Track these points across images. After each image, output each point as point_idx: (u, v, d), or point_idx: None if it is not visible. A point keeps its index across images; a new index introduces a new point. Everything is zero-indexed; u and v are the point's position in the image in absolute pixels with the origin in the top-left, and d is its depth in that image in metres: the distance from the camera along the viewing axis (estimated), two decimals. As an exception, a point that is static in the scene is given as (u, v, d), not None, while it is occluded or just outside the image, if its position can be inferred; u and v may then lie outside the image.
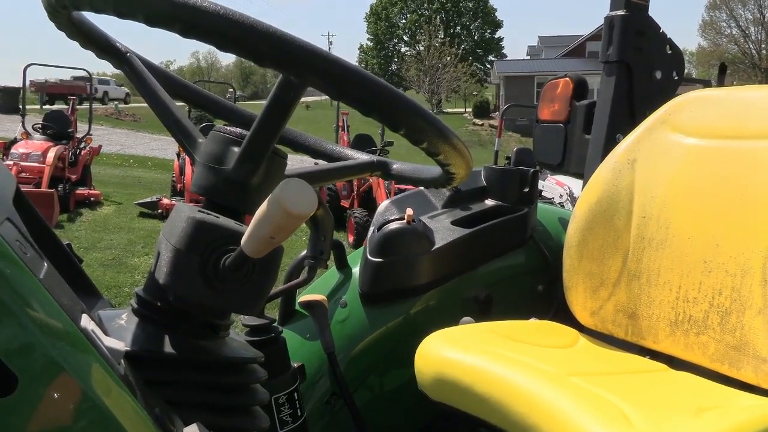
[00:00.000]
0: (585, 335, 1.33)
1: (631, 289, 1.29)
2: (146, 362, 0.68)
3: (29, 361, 0.49)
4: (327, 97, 0.77)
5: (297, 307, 1.40)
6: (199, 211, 0.70)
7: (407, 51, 49.49)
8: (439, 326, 1.23)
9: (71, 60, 9.51)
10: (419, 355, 1.18)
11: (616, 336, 1.32)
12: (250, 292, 0.69)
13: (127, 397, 0.57)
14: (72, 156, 8.20)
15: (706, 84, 2.77)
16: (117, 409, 0.54)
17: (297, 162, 0.87)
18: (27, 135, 8.06)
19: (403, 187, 5.81)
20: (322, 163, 0.97)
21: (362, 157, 1.00)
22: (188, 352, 0.70)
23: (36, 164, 7.24)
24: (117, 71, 0.96)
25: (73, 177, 7.95)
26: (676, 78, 1.77)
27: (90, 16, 0.82)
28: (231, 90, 11.70)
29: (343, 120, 8.82)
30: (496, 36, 52.10)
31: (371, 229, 1.48)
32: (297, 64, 0.62)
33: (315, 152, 1.04)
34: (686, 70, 1.86)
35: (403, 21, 51.61)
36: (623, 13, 1.70)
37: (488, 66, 49.62)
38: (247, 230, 0.62)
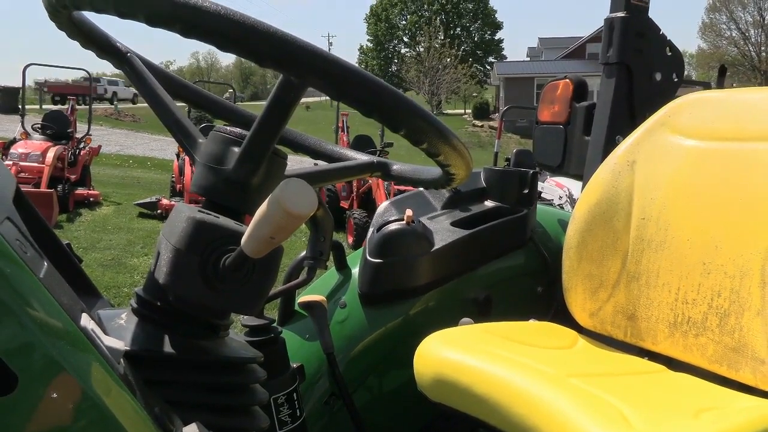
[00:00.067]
0: (584, 336, 1.33)
1: (630, 290, 1.29)
2: (146, 362, 0.68)
3: (29, 361, 0.49)
4: (327, 97, 0.77)
5: (296, 307, 1.40)
6: (199, 211, 0.70)
7: (407, 52, 49.53)
8: (439, 327, 1.23)
9: (71, 60, 9.51)
10: (418, 355, 1.18)
11: (615, 337, 1.32)
12: (249, 292, 0.69)
13: (126, 396, 0.57)
14: (71, 156, 8.20)
15: (706, 86, 2.77)
16: (116, 408, 0.54)
17: (297, 163, 0.87)
18: (26, 135, 8.06)
19: (402, 188, 5.81)
20: (322, 164, 0.97)
21: (362, 157, 1.00)
22: (188, 352, 0.70)
23: (35, 164, 7.24)
24: (117, 71, 0.96)
25: (73, 177, 7.95)
26: (675, 80, 1.78)
27: (91, 16, 0.82)
28: (231, 90, 11.69)
29: (343, 121, 8.82)
30: (496, 37, 52.14)
31: (371, 229, 1.48)
32: (297, 64, 0.62)
33: (315, 153, 1.04)
34: (686, 72, 1.86)
35: (403, 22, 51.64)
36: (623, 14, 1.70)
37: (488, 67, 49.64)
38: (247, 230, 0.62)
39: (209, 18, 0.59)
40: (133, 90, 35.33)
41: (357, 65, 0.66)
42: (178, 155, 8.52)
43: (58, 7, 0.70)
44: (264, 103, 0.75)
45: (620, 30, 1.70)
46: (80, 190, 7.89)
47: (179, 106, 0.85)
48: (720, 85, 2.69)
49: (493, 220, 1.55)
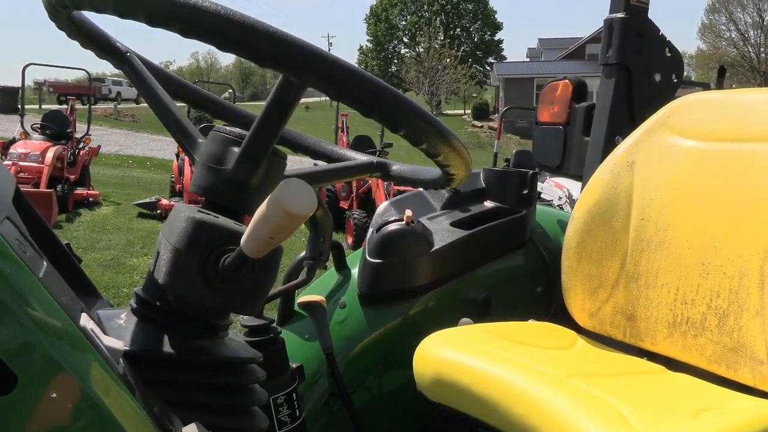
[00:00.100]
0: (583, 337, 1.33)
1: (629, 290, 1.29)
2: (145, 362, 0.68)
3: (29, 360, 0.49)
4: (327, 98, 0.77)
5: (296, 307, 1.40)
6: (199, 211, 0.70)
7: (407, 53, 49.53)
8: (438, 327, 1.23)
9: (71, 60, 9.51)
10: (418, 355, 1.18)
11: (614, 337, 1.32)
12: (249, 293, 0.69)
13: (126, 396, 0.57)
14: (71, 156, 8.19)
15: (705, 87, 2.77)
16: (116, 408, 0.54)
17: (296, 163, 0.87)
18: (26, 135, 8.06)
19: (402, 188, 5.81)
20: (322, 164, 0.97)
21: (362, 158, 1.00)
22: (187, 352, 0.70)
23: (35, 164, 7.23)
24: (117, 71, 0.96)
25: (72, 177, 7.95)
26: (675, 81, 1.78)
27: (90, 16, 0.82)
28: (230, 91, 11.69)
29: (343, 121, 8.82)
30: (496, 38, 52.15)
31: (370, 230, 1.48)
32: (297, 64, 0.62)
33: (314, 153, 1.04)
34: (685, 73, 1.87)
35: (403, 23, 51.65)
36: (623, 15, 1.71)
37: (488, 68, 49.66)
38: (247, 230, 0.62)
39: (209, 18, 0.59)
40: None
41: (357, 65, 0.66)
42: (177, 155, 8.52)
43: (58, 6, 0.70)
44: (263, 103, 0.75)
45: (620, 31, 1.71)
46: (80, 190, 7.89)
47: (179, 106, 0.85)
48: (719, 85, 2.69)
49: (492, 220, 1.55)
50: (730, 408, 1.00)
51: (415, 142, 0.72)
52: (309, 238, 1.06)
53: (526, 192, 1.58)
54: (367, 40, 53.62)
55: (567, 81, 1.94)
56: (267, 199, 0.59)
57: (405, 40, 51.37)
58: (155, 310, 0.71)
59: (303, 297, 1.35)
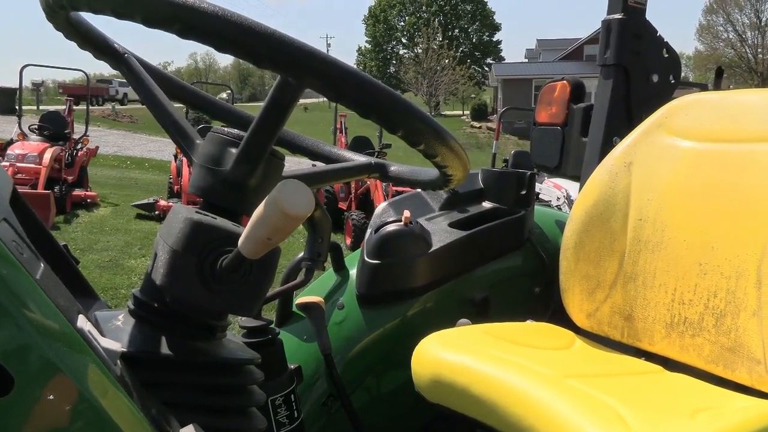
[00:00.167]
0: (581, 337, 1.33)
1: (627, 291, 1.29)
2: (143, 363, 0.68)
3: (25, 362, 0.49)
4: (325, 99, 0.77)
5: (294, 308, 1.40)
6: (197, 212, 0.70)
7: (405, 53, 49.57)
8: (436, 328, 1.23)
9: (69, 61, 9.50)
10: (416, 356, 1.18)
11: (612, 338, 1.32)
12: (247, 294, 0.69)
13: (123, 398, 0.57)
14: (69, 157, 8.18)
15: (703, 87, 2.78)
16: (113, 410, 0.54)
17: (295, 164, 0.87)
18: (23, 136, 8.04)
19: (400, 189, 5.82)
20: (320, 165, 0.97)
21: (360, 159, 1.00)
22: (185, 354, 0.70)
23: (32, 165, 7.22)
24: (114, 72, 0.96)
25: (70, 178, 7.94)
26: (672, 81, 1.78)
27: (88, 17, 0.82)
28: (229, 92, 11.70)
29: (341, 122, 8.82)
30: (494, 39, 52.22)
31: (368, 231, 1.48)
32: (295, 65, 0.62)
33: (313, 154, 1.04)
34: (683, 74, 1.88)
35: (402, 23, 51.69)
36: (621, 16, 1.71)
37: (486, 69, 49.70)
38: (244, 231, 0.62)
39: (207, 19, 0.59)
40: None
41: (355, 66, 0.66)
42: (175, 156, 8.52)
43: (56, 7, 0.70)
44: (262, 104, 0.75)
45: (617, 32, 1.71)
46: (77, 192, 7.88)
47: (177, 107, 0.85)
48: (717, 86, 2.69)
49: (490, 221, 1.55)
50: (727, 408, 1.00)
51: (413, 143, 0.72)
52: (307, 239, 1.06)
53: (524, 193, 1.58)
54: (366, 41, 53.70)
55: (565, 82, 1.94)
56: (265, 200, 0.59)
57: (403, 41, 51.41)
58: (153, 312, 0.71)
59: (301, 298, 1.35)
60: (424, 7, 50.38)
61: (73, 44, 0.84)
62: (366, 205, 7.21)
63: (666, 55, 1.77)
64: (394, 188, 6.52)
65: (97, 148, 9.57)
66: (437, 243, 1.46)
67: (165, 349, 0.69)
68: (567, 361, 1.19)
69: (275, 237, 0.60)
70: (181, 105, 1.05)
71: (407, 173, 0.97)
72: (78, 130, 9.00)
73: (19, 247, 0.58)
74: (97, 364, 0.55)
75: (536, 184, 1.66)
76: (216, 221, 0.70)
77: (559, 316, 1.42)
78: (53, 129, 8.28)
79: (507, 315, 1.40)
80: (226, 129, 0.77)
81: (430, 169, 0.91)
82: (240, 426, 0.74)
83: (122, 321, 0.72)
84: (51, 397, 0.50)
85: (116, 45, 0.87)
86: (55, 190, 7.01)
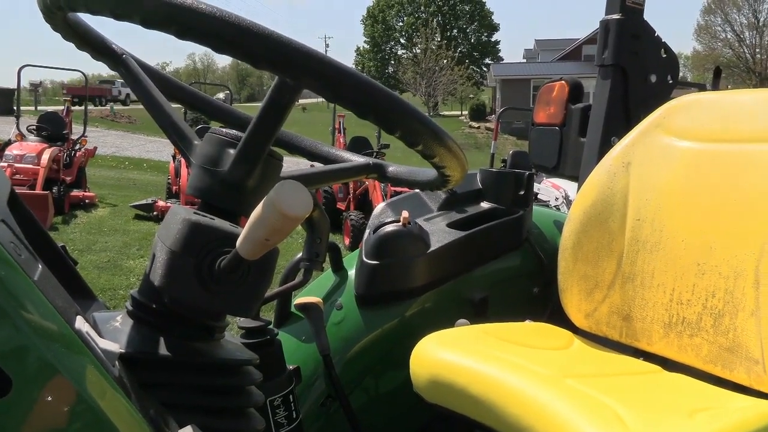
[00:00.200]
0: (579, 337, 1.33)
1: (625, 291, 1.29)
2: (141, 364, 0.68)
3: (23, 364, 0.49)
4: (323, 99, 0.77)
5: (293, 309, 1.40)
6: (195, 213, 0.70)
7: (404, 54, 49.58)
8: (435, 328, 1.23)
9: (67, 61, 9.49)
10: (414, 357, 1.18)
11: (610, 338, 1.33)
12: (245, 294, 0.69)
13: (121, 399, 0.57)
14: (67, 158, 8.18)
15: (701, 88, 2.78)
16: (111, 411, 0.54)
17: (293, 164, 0.87)
18: (21, 136, 8.04)
19: (399, 189, 5.82)
20: (318, 166, 0.97)
21: (358, 159, 1.00)
22: (183, 355, 0.70)
23: (30, 166, 7.21)
24: (113, 72, 0.96)
25: (68, 179, 7.94)
26: (670, 81, 1.78)
27: (86, 18, 0.82)
28: (227, 92, 11.69)
29: (340, 122, 8.83)
30: (493, 39, 52.26)
31: (367, 231, 1.48)
32: (293, 66, 0.62)
33: (311, 154, 1.04)
34: (681, 74, 1.87)
35: (400, 24, 51.72)
36: (619, 16, 1.71)
37: (485, 69, 49.75)
38: (243, 232, 0.62)
39: (204, 20, 0.59)
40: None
41: (353, 67, 0.66)
42: (174, 157, 8.51)
43: (53, 8, 0.70)
44: (260, 104, 0.75)
45: (615, 32, 1.71)
46: (76, 192, 7.87)
47: (175, 108, 0.85)
48: (715, 86, 2.70)
49: (489, 221, 1.55)
50: (725, 408, 1.00)
51: (411, 143, 0.72)
52: (306, 239, 1.06)
53: (522, 193, 1.58)
54: (364, 41, 53.71)
55: (563, 82, 1.94)
56: (263, 201, 0.59)
57: (402, 41, 51.43)
58: (151, 313, 0.71)
59: (300, 298, 1.35)
60: (422, 8, 50.41)
61: (72, 45, 0.84)
62: (364, 205, 7.21)
63: (664, 56, 1.77)
64: (393, 188, 6.52)
65: (95, 148, 9.58)
66: (436, 243, 1.46)
67: (163, 350, 0.69)
68: (565, 361, 1.19)
69: (273, 238, 0.60)
70: (180, 106, 1.05)
71: (405, 174, 0.97)
72: (76, 130, 9.00)
73: (17, 248, 0.58)
74: (95, 365, 0.55)
75: (534, 184, 1.66)
76: (214, 222, 0.70)
77: (558, 316, 1.42)
78: (51, 129, 8.28)
79: (505, 315, 1.40)
80: (224, 130, 0.77)
81: (428, 170, 0.91)
82: (238, 427, 0.74)
83: (120, 322, 0.72)
84: (49, 398, 0.50)
85: (114, 46, 0.87)
86: (54, 190, 7.00)
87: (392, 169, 0.99)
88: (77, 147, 8.57)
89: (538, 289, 1.59)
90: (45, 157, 7.33)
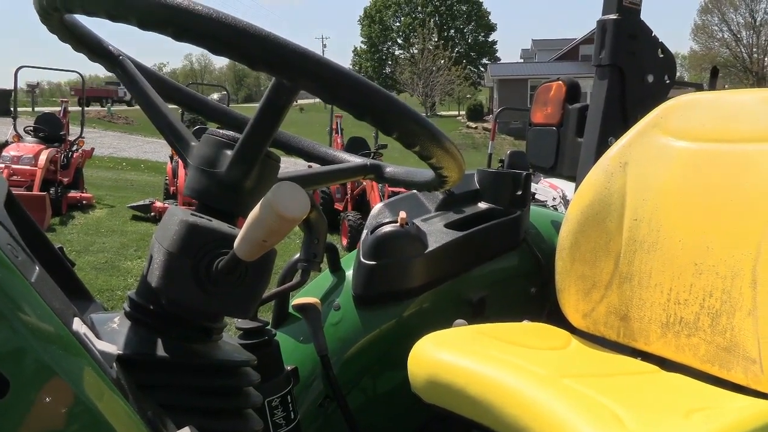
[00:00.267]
0: (577, 337, 1.33)
1: (622, 291, 1.29)
2: (139, 366, 0.68)
3: (21, 365, 0.49)
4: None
5: (290, 310, 1.40)
6: (192, 214, 0.70)
7: (401, 54, 49.60)
8: (432, 329, 1.24)
9: (65, 62, 9.47)
10: (412, 357, 1.18)
11: (607, 338, 1.33)
12: (243, 295, 0.69)
13: (119, 400, 0.57)
14: (64, 159, 8.17)
15: (698, 87, 2.79)
16: (109, 412, 0.54)
17: (290, 165, 0.87)
18: (18, 138, 8.03)
19: (396, 190, 5.82)
20: (316, 166, 0.97)
21: (355, 160, 1.00)
22: (181, 356, 0.70)
23: (28, 167, 7.20)
24: (110, 74, 0.96)
25: (65, 180, 7.93)
26: (667, 81, 1.79)
27: (82, 19, 0.82)
28: (224, 92, 11.69)
29: (337, 123, 8.83)
30: (490, 39, 52.31)
31: (365, 231, 1.48)
32: (289, 67, 0.62)
33: (308, 155, 1.04)
34: (678, 74, 1.88)
35: (397, 24, 51.73)
36: (616, 17, 1.71)
37: (482, 69, 49.79)
38: (240, 233, 0.62)
39: (201, 21, 0.59)
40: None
41: (350, 68, 0.66)
42: (171, 158, 8.50)
43: (50, 9, 0.70)
44: (257, 105, 0.75)
45: (612, 32, 1.71)
46: (73, 193, 7.86)
47: (172, 109, 0.85)
48: (712, 86, 2.70)
49: (486, 221, 1.55)
50: (723, 408, 1.00)
51: (408, 144, 0.72)
52: (303, 240, 1.06)
53: (520, 193, 1.58)
54: (362, 42, 53.71)
55: (560, 82, 1.94)
56: (260, 202, 0.59)
57: (399, 41, 51.45)
58: (149, 314, 0.71)
59: (297, 299, 1.35)
60: (419, 8, 50.43)
61: (68, 46, 0.83)
62: (362, 206, 7.21)
63: (661, 56, 1.77)
64: (390, 189, 6.52)
65: (92, 149, 9.56)
66: (433, 244, 1.46)
67: (161, 351, 0.69)
68: (563, 361, 1.20)
69: (271, 239, 0.60)
70: (177, 107, 1.05)
71: (403, 174, 0.97)
72: (73, 131, 8.98)
73: (14, 249, 0.58)
74: (92, 366, 0.55)
75: (532, 184, 1.66)
76: (211, 223, 0.69)
77: (555, 317, 1.42)
78: (48, 131, 8.27)
79: (503, 315, 1.40)
80: (221, 131, 0.77)
81: (425, 170, 0.91)
82: (236, 428, 0.74)
83: (118, 323, 0.72)
84: (47, 400, 0.50)
85: (111, 47, 0.87)
86: (51, 191, 6.99)
87: (390, 169, 0.99)
88: (74, 148, 8.56)
89: (536, 290, 1.59)
90: (42, 158, 7.32)
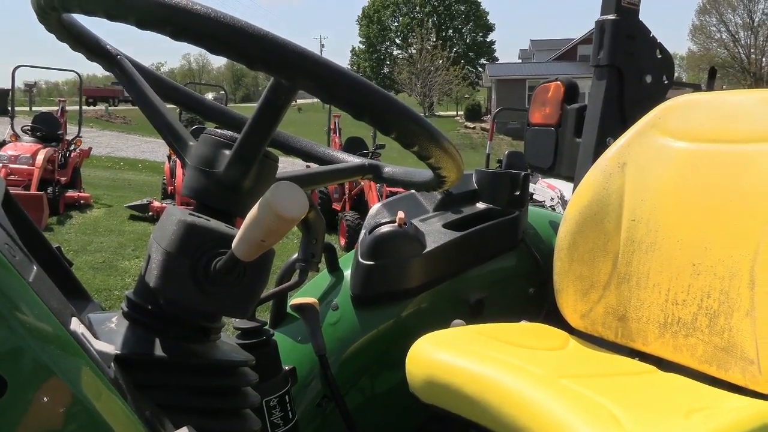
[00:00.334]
0: (575, 337, 1.33)
1: (620, 291, 1.30)
2: (137, 365, 0.68)
3: (19, 365, 0.49)
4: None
5: (288, 310, 1.40)
6: (190, 214, 0.70)
7: (399, 54, 49.59)
8: (431, 329, 1.24)
9: (63, 62, 9.46)
10: (410, 357, 1.18)
11: (605, 338, 1.33)
12: (241, 295, 0.69)
13: (117, 400, 0.57)
14: (62, 158, 8.15)
15: (696, 88, 2.79)
16: (107, 412, 0.54)
17: (289, 165, 0.87)
18: (16, 137, 8.01)
19: (394, 190, 5.82)
20: (314, 166, 0.97)
21: (354, 160, 1.00)
22: (179, 356, 0.70)
23: (25, 167, 7.19)
24: (108, 73, 0.96)
25: (63, 179, 7.91)
26: (666, 82, 1.79)
27: (80, 18, 0.82)
28: (222, 92, 11.68)
29: (335, 123, 8.83)
30: (488, 39, 52.34)
31: (363, 232, 1.48)
32: (288, 67, 0.62)
33: (306, 155, 1.03)
34: (676, 74, 1.88)
35: (396, 24, 51.74)
36: (614, 17, 1.71)
37: (480, 69, 49.83)
38: (238, 233, 0.62)
39: (200, 21, 0.59)
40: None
41: (348, 68, 0.66)
42: (169, 157, 8.50)
43: (47, 9, 0.70)
44: (255, 105, 0.75)
45: (611, 32, 1.71)
46: (71, 193, 7.85)
47: (170, 109, 0.85)
48: (710, 87, 2.70)
49: (484, 222, 1.55)
50: (721, 408, 1.00)
51: (407, 144, 0.72)
52: (301, 240, 1.06)
53: (518, 193, 1.58)
54: (360, 42, 53.70)
55: (558, 82, 1.95)
56: (258, 202, 0.59)
57: (397, 41, 51.45)
58: (147, 314, 0.71)
59: (295, 299, 1.34)
60: (417, 8, 50.44)
61: (66, 46, 0.83)
62: (360, 206, 7.21)
63: (659, 56, 1.78)
64: (388, 189, 6.52)
65: (90, 149, 9.54)
66: (431, 244, 1.46)
67: (159, 351, 0.69)
68: (561, 362, 1.20)
69: (269, 239, 0.60)
70: (175, 106, 1.05)
71: (401, 174, 0.97)
72: (71, 131, 8.97)
73: (11, 249, 0.58)
74: (90, 366, 0.55)
75: (530, 184, 1.66)
76: (210, 223, 0.69)
77: (553, 317, 1.43)
78: (46, 130, 8.26)
79: (501, 315, 1.40)
80: (219, 130, 0.77)
81: (424, 171, 0.91)
82: (234, 428, 0.74)
83: (116, 323, 0.71)
84: (45, 399, 0.50)
85: (109, 46, 0.87)
86: (48, 191, 6.98)
87: (388, 169, 0.99)
88: (72, 147, 8.55)
89: (534, 290, 1.59)
90: (40, 158, 7.31)
